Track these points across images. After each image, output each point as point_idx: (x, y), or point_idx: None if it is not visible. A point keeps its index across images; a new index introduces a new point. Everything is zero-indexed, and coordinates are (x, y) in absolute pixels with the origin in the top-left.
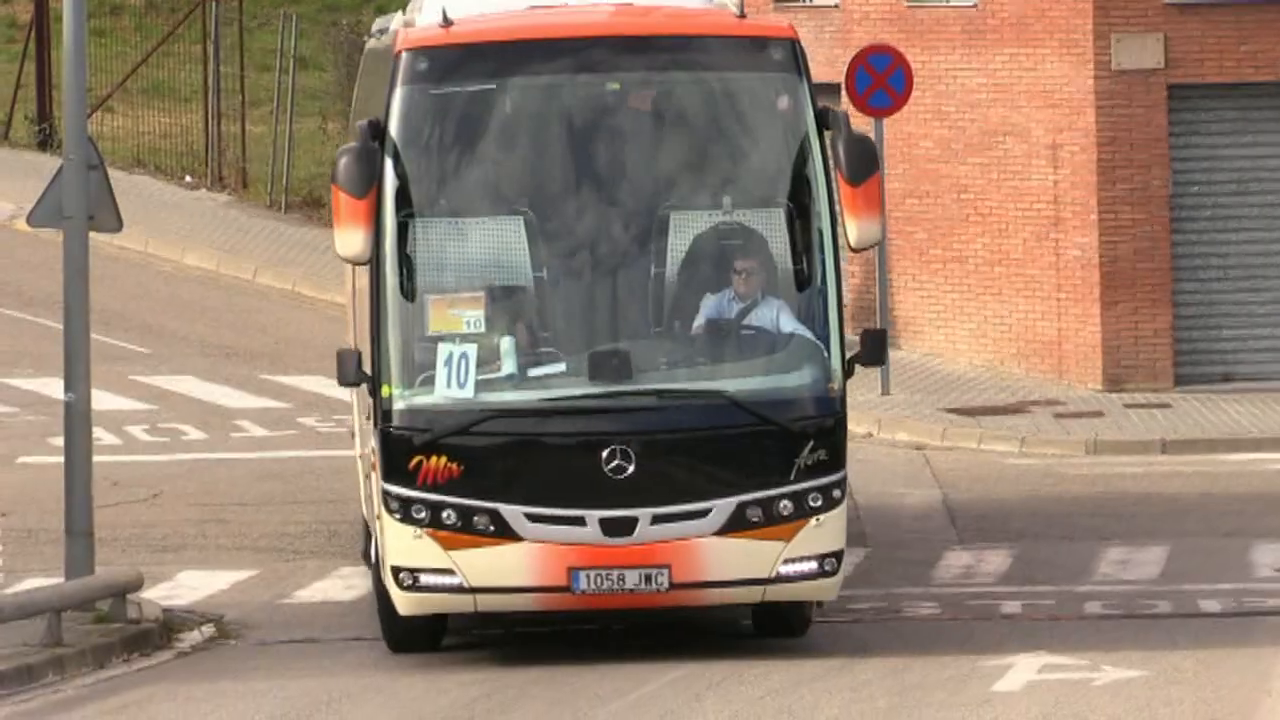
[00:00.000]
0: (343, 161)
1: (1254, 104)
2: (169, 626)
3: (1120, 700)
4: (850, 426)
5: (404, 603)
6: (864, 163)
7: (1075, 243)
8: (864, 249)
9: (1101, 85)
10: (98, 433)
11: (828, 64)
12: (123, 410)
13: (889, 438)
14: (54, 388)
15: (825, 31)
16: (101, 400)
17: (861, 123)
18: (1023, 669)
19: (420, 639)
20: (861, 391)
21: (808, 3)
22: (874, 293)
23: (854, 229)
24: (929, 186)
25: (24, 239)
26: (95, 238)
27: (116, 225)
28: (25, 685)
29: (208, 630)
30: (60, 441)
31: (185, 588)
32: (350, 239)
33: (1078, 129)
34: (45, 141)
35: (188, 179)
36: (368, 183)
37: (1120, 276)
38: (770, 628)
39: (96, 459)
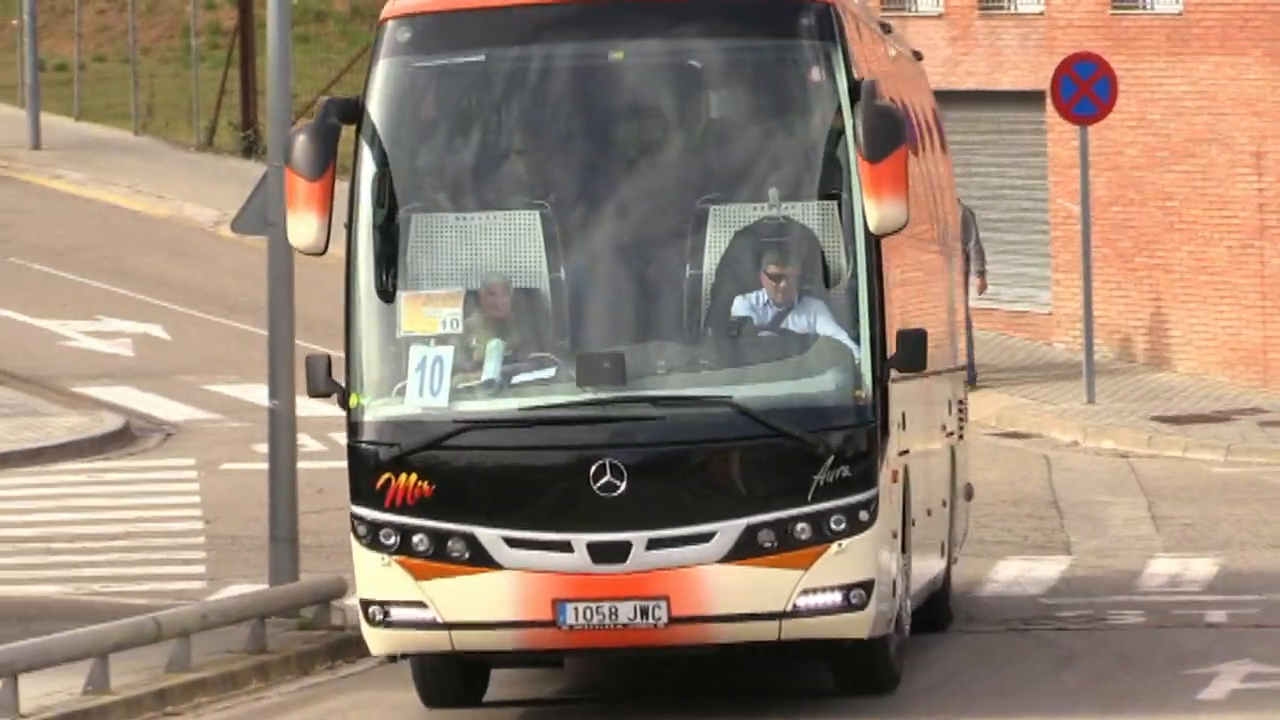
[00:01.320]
0: (297, 140)
1: None
2: None
3: None
4: (1056, 435)
5: (375, 641)
6: (885, 137)
7: (1275, 253)
8: (886, 234)
9: None
10: (302, 439)
11: (1032, 71)
12: (327, 416)
13: (1094, 446)
14: (258, 394)
15: (1030, 39)
16: (306, 406)
17: (1067, 131)
18: (1228, 678)
19: (458, 691)
20: (1066, 400)
21: (1013, 10)
22: (1079, 301)
23: (873, 212)
24: (1134, 194)
25: (228, 245)
26: None
27: None
28: (229, 692)
29: None
30: (264, 448)
31: None
32: (303, 227)
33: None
34: (249, 148)
35: None
36: (322, 164)
37: None
38: (854, 684)
39: (301, 465)
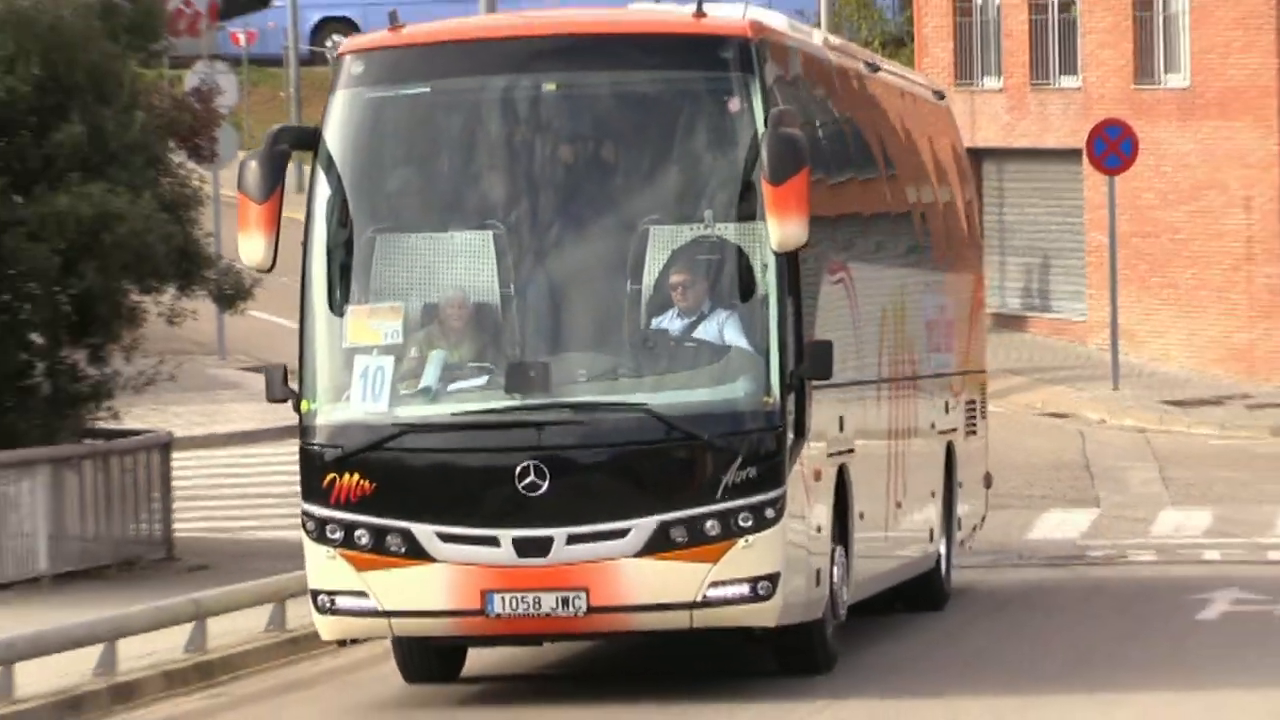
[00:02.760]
0: (247, 166)
1: None
2: None
3: None
4: (1088, 415)
5: (323, 627)
6: (786, 161)
7: (1264, 273)
8: (787, 252)
9: None
10: None
11: (1071, 133)
12: None
13: (1118, 423)
14: None
15: (1070, 108)
16: None
17: (1098, 180)
18: (1220, 602)
19: (435, 669)
20: (1096, 388)
21: (1056, 86)
22: (1108, 311)
23: (775, 231)
24: (1149, 229)
25: None
26: None
27: None
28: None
29: None
30: None
31: None
32: (251, 246)
33: (1266, 184)
34: None
35: None
36: (269, 188)
37: None
38: (793, 665)
39: None
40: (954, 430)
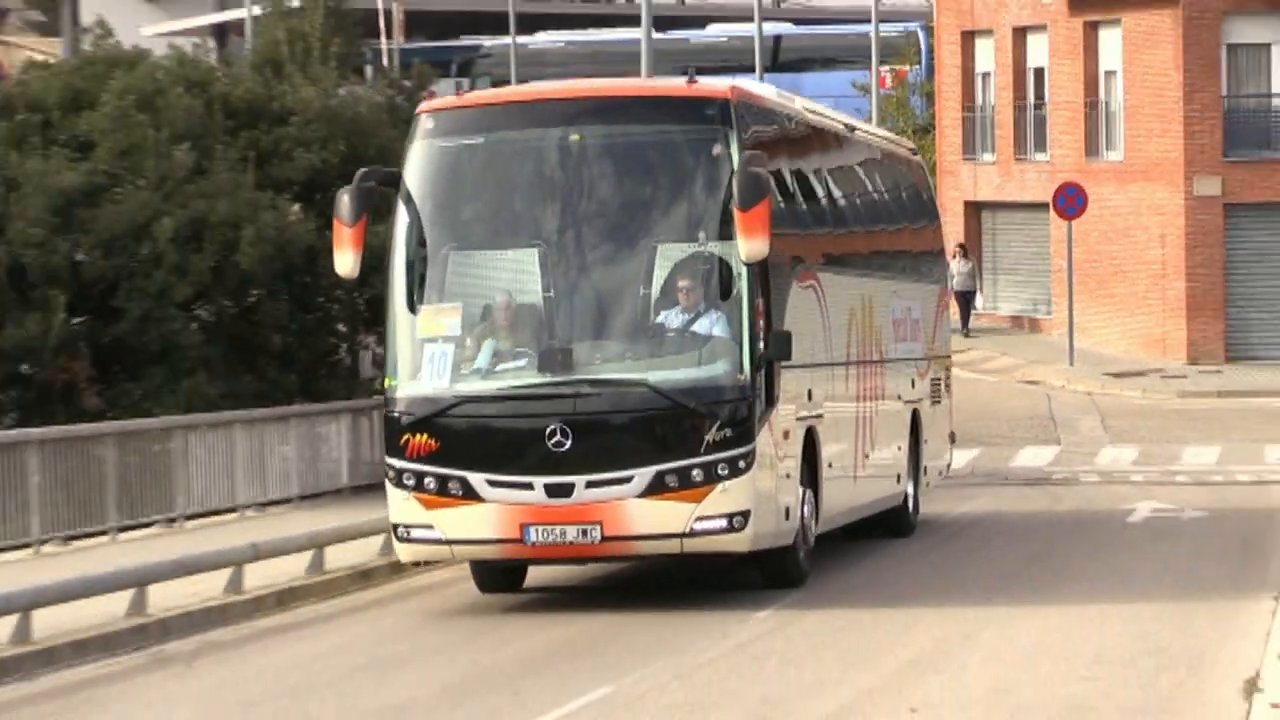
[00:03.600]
0: (341, 198)
1: (1272, 215)
2: None
3: (1197, 525)
4: (1052, 382)
5: (401, 552)
6: (751, 192)
7: (1173, 287)
8: (753, 262)
9: (1189, 203)
10: None
11: (1042, 192)
12: None
13: (1073, 389)
14: None
15: (1041, 174)
16: None
17: (1060, 224)
18: (1143, 510)
19: (501, 583)
20: (1059, 364)
21: (1032, 160)
22: (1066, 312)
23: (743, 246)
24: (1095, 257)
25: None
26: None
27: None
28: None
29: None
30: None
31: None
32: (342, 259)
33: (1174, 227)
34: None
35: None
36: (357, 214)
37: (1196, 304)
38: (773, 579)
39: None
40: (920, 400)
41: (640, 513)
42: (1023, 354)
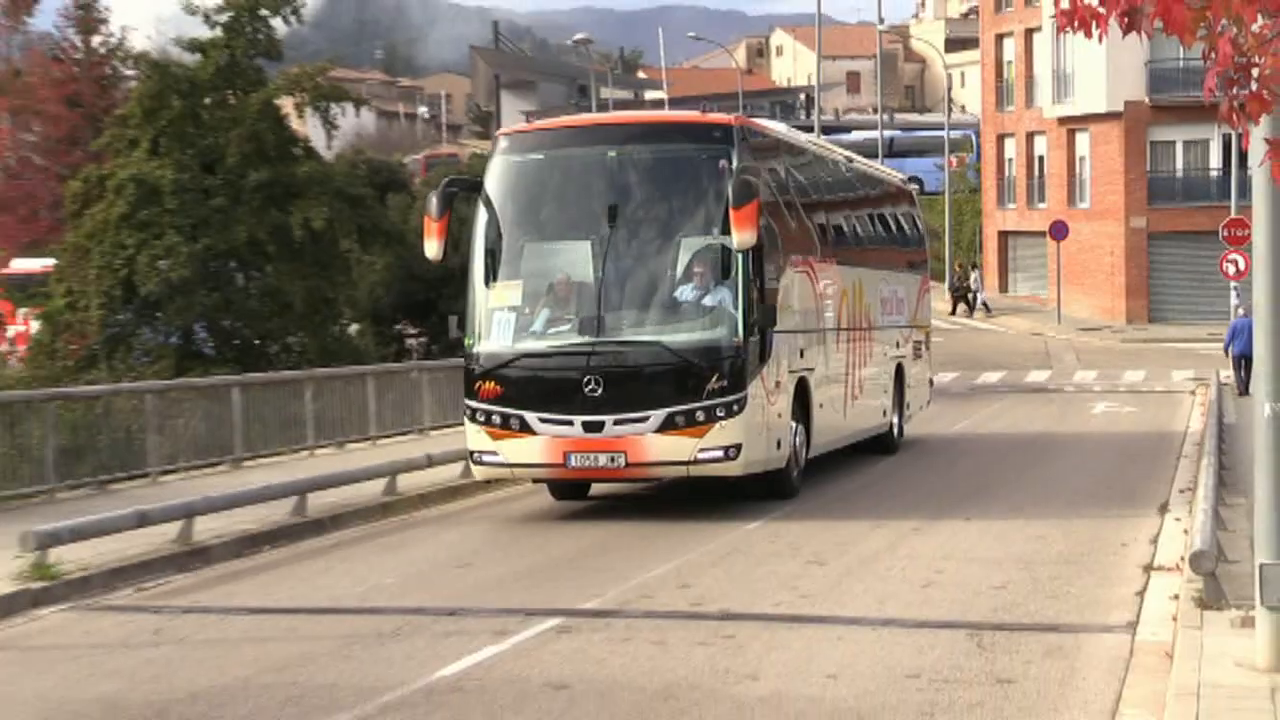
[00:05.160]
0: (430, 197)
1: (1193, 240)
2: None
3: (1131, 416)
4: (1049, 334)
5: (476, 472)
6: (743, 193)
7: (1119, 280)
8: (744, 250)
9: (1128, 232)
10: None
11: (1043, 225)
12: None
13: (1061, 337)
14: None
15: (1043, 215)
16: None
17: (1053, 245)
18: (1100, 406)
19: (569, 493)
20: (1049, 322)
21: (1036, 207)
22: (1056, 293)
23: (735, 237)
24: (1073, 262)
25: None
26: None
27: None
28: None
29: None
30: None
31: None
32: (430, 246)
33: (1120, 246)
34: None
35: None
36: (442, 211)
37: (1132, 289)
38: (771, 493)
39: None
40: (904, 357)
41: (655, 444)
42: (1031, 319)
